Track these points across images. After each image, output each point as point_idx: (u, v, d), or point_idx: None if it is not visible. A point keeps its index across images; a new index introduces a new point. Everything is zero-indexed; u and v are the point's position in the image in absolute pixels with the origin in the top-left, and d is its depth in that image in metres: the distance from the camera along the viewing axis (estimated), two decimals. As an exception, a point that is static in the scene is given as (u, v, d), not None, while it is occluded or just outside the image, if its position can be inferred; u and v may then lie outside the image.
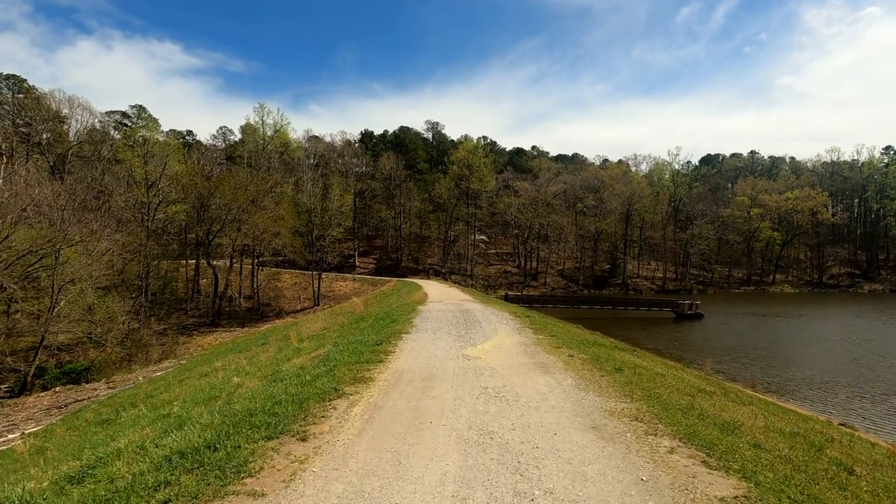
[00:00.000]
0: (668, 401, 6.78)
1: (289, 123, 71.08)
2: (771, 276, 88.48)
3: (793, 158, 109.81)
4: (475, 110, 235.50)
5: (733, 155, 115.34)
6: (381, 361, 9.24)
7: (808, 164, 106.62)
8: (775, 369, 25.62)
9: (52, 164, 54.38)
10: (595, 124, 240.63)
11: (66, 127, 60.10)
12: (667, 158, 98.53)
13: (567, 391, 7.09)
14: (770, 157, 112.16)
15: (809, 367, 26.20)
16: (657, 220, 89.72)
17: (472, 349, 10.80)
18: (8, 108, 55.11)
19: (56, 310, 30.58)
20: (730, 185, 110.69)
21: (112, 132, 60.23)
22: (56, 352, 35.58)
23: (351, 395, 6.80)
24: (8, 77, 55.48)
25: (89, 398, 27.23)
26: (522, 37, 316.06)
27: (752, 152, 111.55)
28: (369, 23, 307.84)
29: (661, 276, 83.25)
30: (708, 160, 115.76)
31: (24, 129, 55.99)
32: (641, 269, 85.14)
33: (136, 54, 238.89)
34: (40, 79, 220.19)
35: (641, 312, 46.81)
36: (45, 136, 58.63)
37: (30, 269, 30.28)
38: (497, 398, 6.70)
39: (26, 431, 21.16)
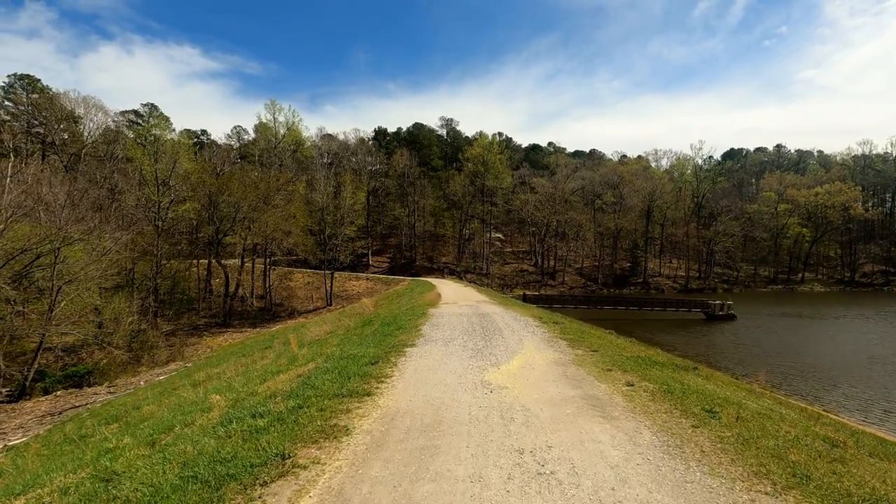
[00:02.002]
0: (830, 485, 3.98)
1: (301, 120, 69.06)
2: (800, 275, 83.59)
3: (821, 152, 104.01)
4: (489, 109, 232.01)
5: (758, 149, 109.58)
6: (369, 394, 6.57)
7: (838, 158, 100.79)
8: (830, 381, 22.31)
9: (65, 163, 53.28)
10: (611, 121, 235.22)
11: (80, 127, 59.05)
12: (689, 153, 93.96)
13: (654, 461, 4.33)
14: (797, 151, 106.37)
15: (871, 382, 22.74)
16: (679, 216, 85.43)
17: (495, 372, 8.08)
18: (23, 108, 54.13)
19: (56, 311, 28.80)
20: (754, 180, 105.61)
21: (126, 131, 58.98)
22: (61, 354, 34.07)
23: (305, 468, 4.15)
24: (22, 77, 54.45)
25: (86, 405, 25.57)
26: (537, 34, 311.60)
27: (779, 146, 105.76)
28: (383, 22, 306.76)
29: (683, 274, 79.15)
30: (731, 154, 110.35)
31: (39, 130, 55.04)
32: (663, 267, 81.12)
33: (156, 58, 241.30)
34: (65, 84, 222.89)
35: (669, 313, 43.38)
36: (64, 135, 57.70)
37: (26, 268, 28.48)
38: (541, 477, 3.99)
39: (9, 443, 19.40)
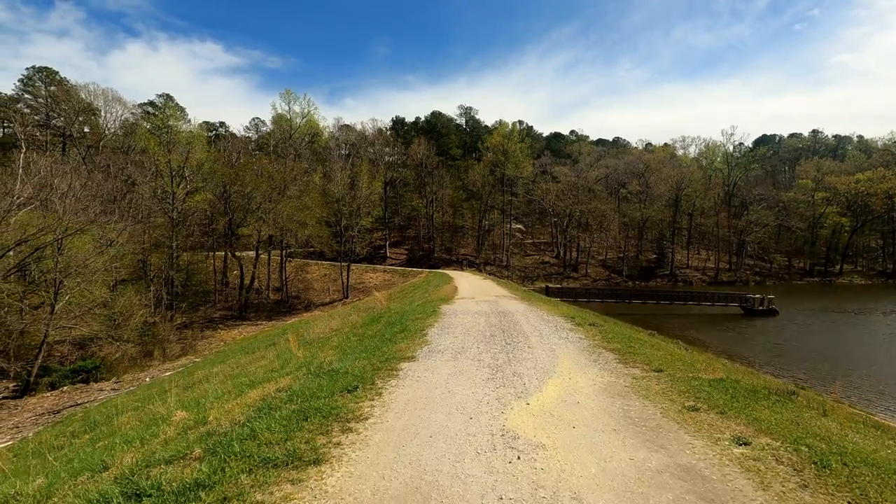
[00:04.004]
0: None
1: (316, 109, 66.83)
2: (838, 266, 77.97)
3: (861, 137, 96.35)
4: (509, 100, 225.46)
5: (792, 135, 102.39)
6: (317, 462, 3.93)
7: (879, 143, 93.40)
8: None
9: (83, 156, 52.42)
10: (633, 110, 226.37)
11: (100, 120, 58.23)
12: (719, 139, 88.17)
13: None
14: (835, 137, 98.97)
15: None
16: (709, 205, 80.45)
17: (522, 410, 5.39)
18: (41, 100, 53.35)
19: (58, 306, 27.23)
20: (786, 167, 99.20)
21: (143, 123, 57.90)
22: (72, 348, 32.91)
23: None
24: (40, 70, 53.59)
25: (87, 402, 24.09)
26: (557, 23, 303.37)
27: (814, 131, 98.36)
28: (402, 15, 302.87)
29: (713, 266, 74.50)
30: (763, 141, 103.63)
31: (57, 123, 54.26)
32: (691, 258, 76.59)
33: (180, 55, 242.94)
34: (94, 81, 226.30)
35: (703, 308, 39.78)
36: (85, 129, 56.98)
37: (24, 260, 26.92)
38: None
39: (-6, 447, 17.68)
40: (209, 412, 7.93)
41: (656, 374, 7.05)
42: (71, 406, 23.66)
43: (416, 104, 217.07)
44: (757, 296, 38.91)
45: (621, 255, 72.25)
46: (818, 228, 79.23)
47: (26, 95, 52.60)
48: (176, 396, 14.55)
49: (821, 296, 57.54)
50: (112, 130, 57.42)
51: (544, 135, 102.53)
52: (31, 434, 18.82)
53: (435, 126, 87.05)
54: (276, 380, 9.63)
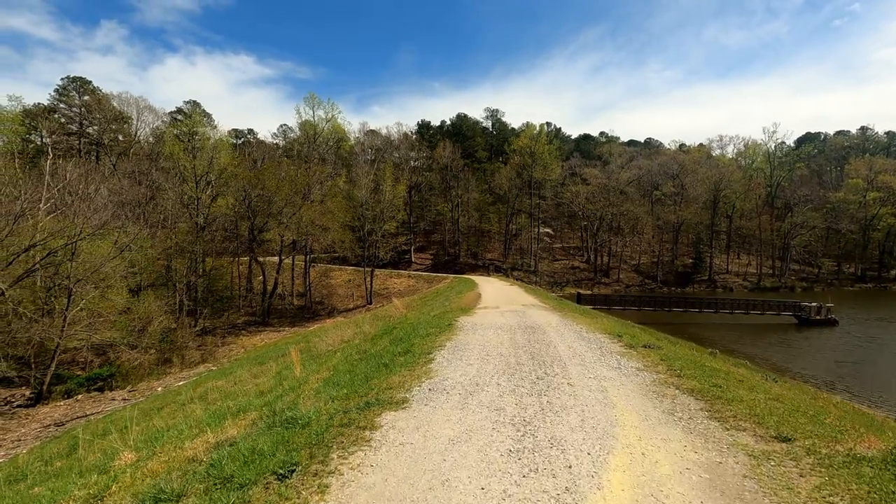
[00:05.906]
0: None
1: (340, 113, 65.64)
2: (893, 272, 71.22)
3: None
4: (536, 103, 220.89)
5: (839, 132, 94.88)
6: None
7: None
8: None
9: (114, 163, 52.65)
10: (664, 112, 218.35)
11: (132, 128, 58.69)
12: (759, 138, 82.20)
13: None
14: (887, 133, 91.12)
15: None
16: (749, 207, 74.90)
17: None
18: (76, 109, 53.94)
19: (71, 313, 26.06)
20: (832, 166, 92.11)
21: (171, 129, 57.95)
22: (93, 354, 31.98)
23: None
24: (74, 80, 54.22)
25: (94, 414, 22.73)
26: (584, 26, 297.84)
27: (864, 128, 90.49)
28: (428, 23, 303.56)
29: (755, 271, 69.12)
30: (807, 139, 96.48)
31: (89, 131, 54.76)
32: (731, 263, 71.34)
33: (215, 67, 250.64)
34: (126, 91, 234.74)
35: (751, 317, 35.73)
36: (118, 137, 57.51)
37: (36, 266, 25.85)
38: None
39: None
40: (132, 472, 5.83)
41: (783, 445, 4.30)
42: (79, 417, 22.34)
43: (442, 110, 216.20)
44: (813, 304, 34.63)
45: (655, 259, 67.84)
46: (871, 231, 72.70)
47: (61, 105, 53.26)
48: (164, 419, 12.86)
49: (877, 304, 51.98)
50: (144, 138, 57.74)
51: (573, 137, 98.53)
52: (24, 451, 17.42)
53: (460, 129, 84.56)
54: (232, 422, 7.41)
